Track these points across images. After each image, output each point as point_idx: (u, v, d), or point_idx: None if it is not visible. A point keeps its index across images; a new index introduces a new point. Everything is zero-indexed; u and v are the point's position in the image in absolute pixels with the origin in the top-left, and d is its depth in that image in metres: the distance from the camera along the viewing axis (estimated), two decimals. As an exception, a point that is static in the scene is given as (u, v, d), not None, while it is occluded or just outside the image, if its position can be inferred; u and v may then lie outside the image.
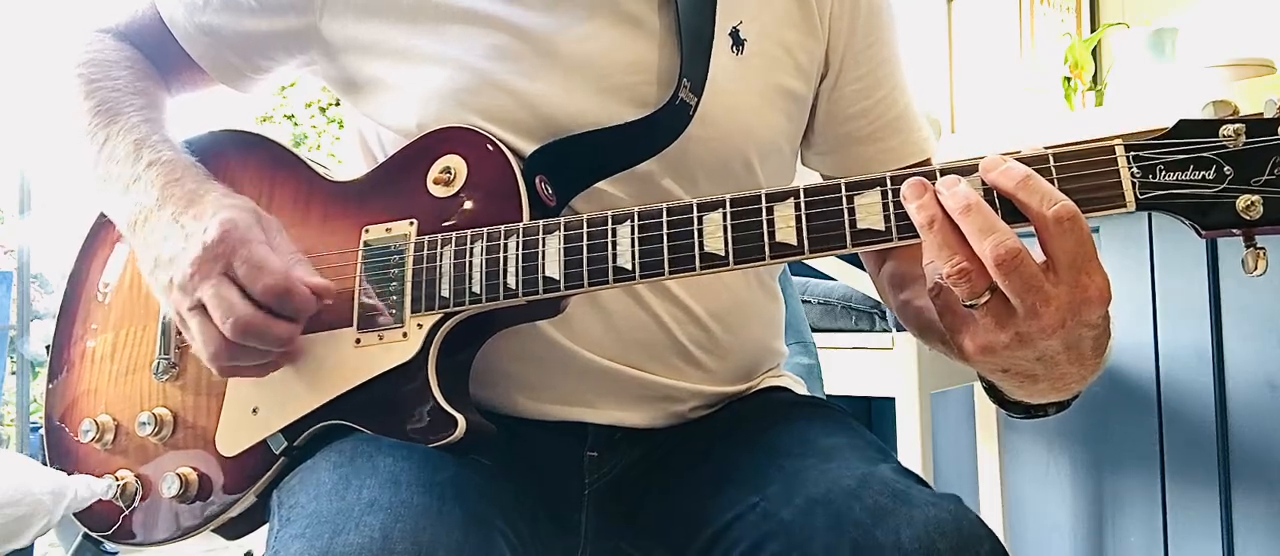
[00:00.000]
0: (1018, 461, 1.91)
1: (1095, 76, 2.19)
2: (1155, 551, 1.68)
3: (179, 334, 0.89)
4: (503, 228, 0.76)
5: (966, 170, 0.64)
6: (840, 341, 1.72)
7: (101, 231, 0.98)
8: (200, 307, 0.75)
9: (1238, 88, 1.47)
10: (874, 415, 2.20)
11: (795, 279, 1.50)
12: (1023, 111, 2.21)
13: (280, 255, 0.76)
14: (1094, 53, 2.21)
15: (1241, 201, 0.60)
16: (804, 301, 1.70)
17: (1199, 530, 1.62)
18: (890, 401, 1.69)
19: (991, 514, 1.86)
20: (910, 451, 1.64)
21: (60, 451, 0.93)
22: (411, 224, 0.80)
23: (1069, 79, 2.15)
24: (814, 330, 1.38)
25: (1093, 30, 2.33)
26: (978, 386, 1.93)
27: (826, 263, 1.86)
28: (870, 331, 1.71)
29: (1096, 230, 1.72)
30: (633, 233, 0.72)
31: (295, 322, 0.76)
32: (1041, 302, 0.59)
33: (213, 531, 0.87)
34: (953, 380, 1.83)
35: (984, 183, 0.63)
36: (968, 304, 0.62)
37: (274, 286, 0.74)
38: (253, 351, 0.75)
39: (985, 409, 1.88)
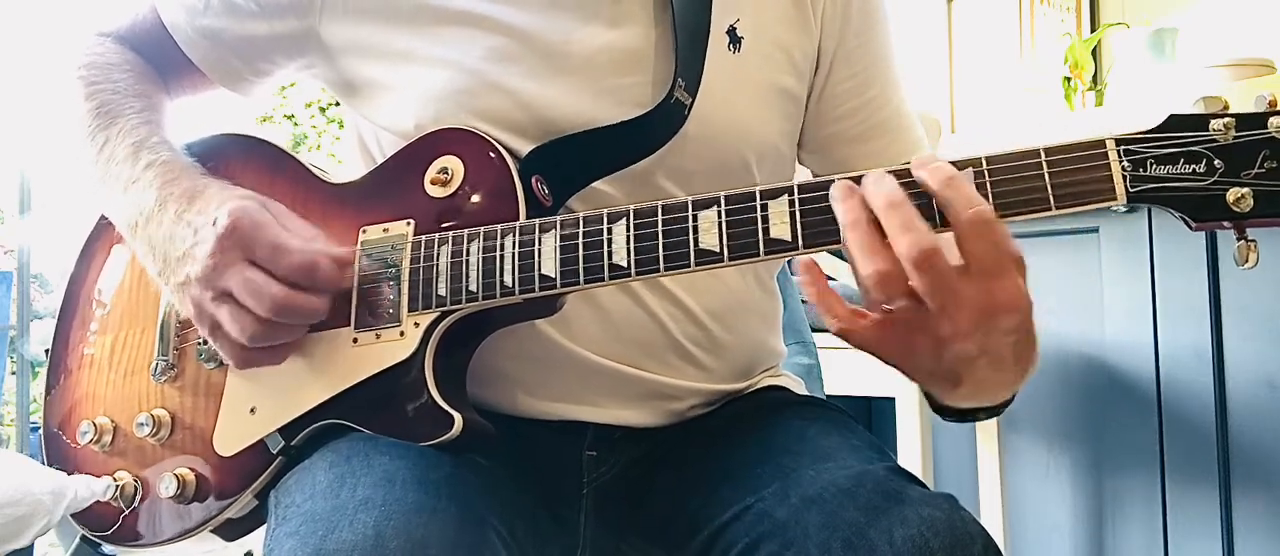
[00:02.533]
0: (1018, 461, 1.91)
1: (1095, 76, 2.20)
2: (1155, 551, 1.68)
3: (178, 335, 0.89)
4: (499, 226, 0.76)
5: (902, 172, 0.65)
6: (840, 341, 1.72)
7: (100, 235, 0.98)
8: (225, 296, 0.75)
9: (1238, 87, 1.47)
10: (874, 415, 2.20)
11: (795, 278, 1.50)
12: (1023, 111, 2.21)
13: (295, 235, 0.77)
14: (1094, 53, 2.22)
15: (1232, 194, 0.61)
16: (804, 301, 1.70)
17: (1199, 530, 1.61)
18: (890, 401, 1.69)
19: (991, 514, 1.86)
20: (910, 451, 1.64)
21: (59, 457, 0.93)
22: (409, 224, 0.80)
23: (1069, 79, 2.15)
24: (814, 330, 1.38)
25: (1093, 30, 2.33)
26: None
27: (827, 262, 1.85)
28: (870, 331, 1.71)
29: (1095, 230, 1.73)
30: (628, 230, 0.72)
31: (324, 295, 0.77)
32: (953, 305, 0.61)
33: (211, 532, 0.87)
34: (952, 380, 1.82)
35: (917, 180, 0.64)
36: (886, 307, 0.63)
37: (301, 263, 0.75)
38: (284, 330, 0.76)
39: (985, 409, 1.87)
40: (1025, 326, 0.64)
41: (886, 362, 0.68)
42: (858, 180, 0.65)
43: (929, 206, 0.64)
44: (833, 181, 0.67)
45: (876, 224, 0.62)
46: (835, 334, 0.66)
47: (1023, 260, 0.64)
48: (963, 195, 0.62)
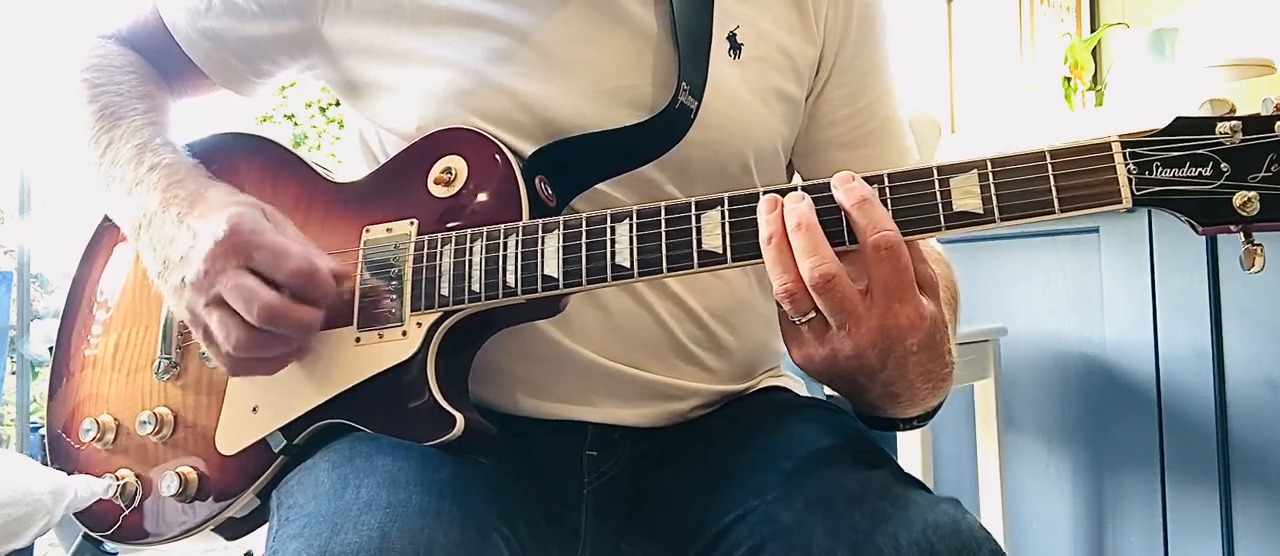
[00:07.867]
0: (1018, 461, 1.91)
1: (1095, 76, 2.20)
2: (1155, 551, 1.68)
3: (180, 334, 0.89)
4: (502, 227, 0.76)
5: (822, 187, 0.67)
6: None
7: (102, 236, 0.99)
8: (218, 302, 0.75)
9: (1238, 88, 1.47)
10: (874, 415, 2.19)
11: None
12: (1023, 111, 2.21)
13: (295, 242, 0.77)
14: (1094, 53, 2.22)
15: (1238, 198, 0.61)
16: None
17: (1199, 530, 1.61)
18: (890, 401, 1.68)
19: (991, 514, 1.86)
20: (910, 451, 1.64)
21: (62, 458, 0.93)
22: (412, 224, 0.80)
23: (1069, 79, 2.15)
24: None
25: (1093, 30, 2.33)
26: (979, 385, 1.94)
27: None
28: (870, 331, 1.71)
29: (1095, 230, 1.73)
30: (631, 231, 0.72)
31: (318, 307, 0.76)
32: (853, 324, 0.64)
33: (212, 531, 0.87)
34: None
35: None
36: (795, 320, 0.66)
37: (299, 269, 0.74)
38: (274, 340, 0.75)
39: (985, 409, 1.88)
40: (929, 345, 0.66)
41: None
42: (786, 192, 0.68)
43: (844, 224, 0.66)
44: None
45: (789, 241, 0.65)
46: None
47: (934, 281, 0.66)
48: (871, 218, 0.64)
